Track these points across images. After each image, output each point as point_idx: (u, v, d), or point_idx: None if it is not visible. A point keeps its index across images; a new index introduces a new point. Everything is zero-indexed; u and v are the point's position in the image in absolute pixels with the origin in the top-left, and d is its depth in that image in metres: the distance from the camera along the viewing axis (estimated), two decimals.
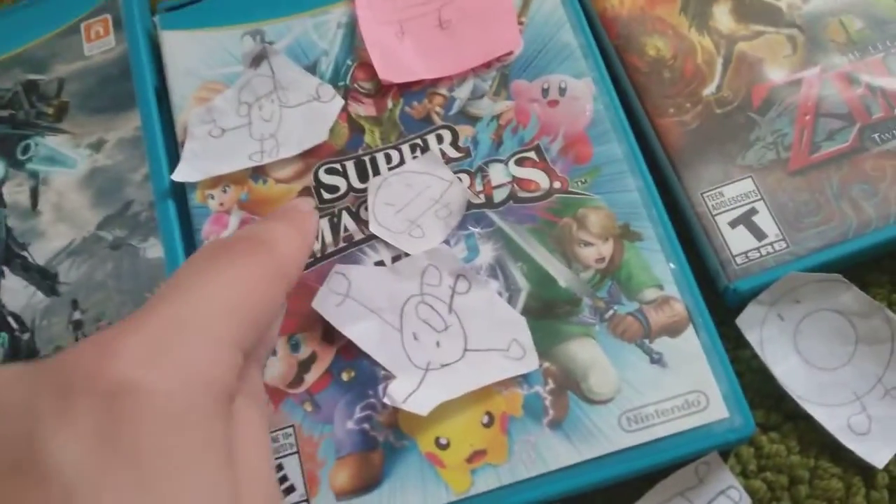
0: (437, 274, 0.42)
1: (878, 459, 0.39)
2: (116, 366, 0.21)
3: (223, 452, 0.22)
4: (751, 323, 0.41)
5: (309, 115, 0.48)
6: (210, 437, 0.21)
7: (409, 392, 0.40)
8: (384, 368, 0.41)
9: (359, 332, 0.41)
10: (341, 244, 0.44)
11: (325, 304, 0.42)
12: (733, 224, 0.42)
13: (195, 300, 0.24)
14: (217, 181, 0.47)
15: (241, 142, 0.48)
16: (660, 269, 0.42)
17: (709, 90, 0.45)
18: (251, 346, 0.26)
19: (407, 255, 0.43)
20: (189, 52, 0.50)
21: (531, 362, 0.40)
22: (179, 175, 0.47)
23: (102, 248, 0.47)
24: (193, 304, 0.24)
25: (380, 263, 0.43)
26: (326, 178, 0.46)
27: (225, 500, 0.21)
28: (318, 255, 0.44)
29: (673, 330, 0.40)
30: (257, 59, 0.49)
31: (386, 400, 0.40)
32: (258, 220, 0.35)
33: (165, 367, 0.22)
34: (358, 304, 0.42)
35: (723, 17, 0.47)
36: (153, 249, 0.46)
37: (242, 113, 0.48)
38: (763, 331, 0.41)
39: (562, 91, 0.46)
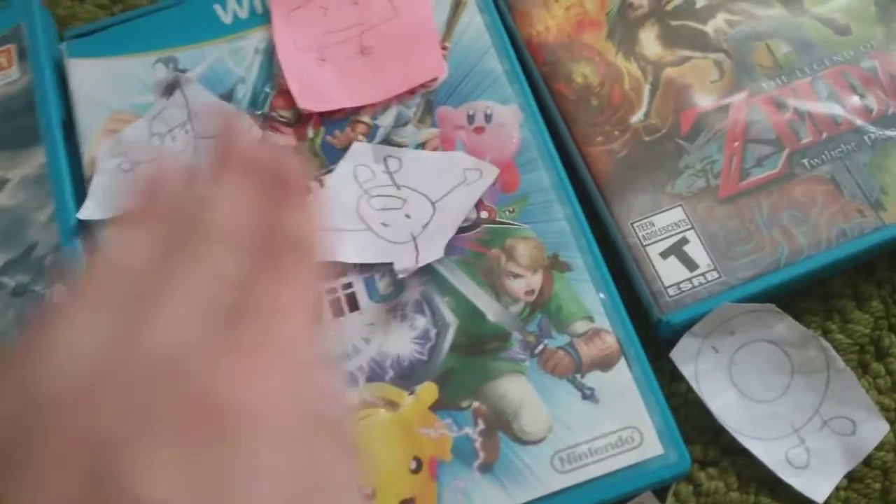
0: (366, 170, 0.43)
1: (818, 494, 0.38)
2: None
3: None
4: (685, 356, 0.40)
5: None
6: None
7: (414, 257, 0.41)
8: None
9: (336, 250, 0.41)
10: None
11: None
12: (665, 255, 0.41)
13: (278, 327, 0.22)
14: None
15: None
16: (590, 299, 0.40)
17: (637, 117, 0.44)
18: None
19: None
20: (98, 80, 0.48)
21: (490, 172, 0.43)
22: (86, 212, 0.44)
23: (4, 296, 0.44)
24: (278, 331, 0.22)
25: None
26: None
27: None
28: None
29: (604, 363, 0.39)
30: (170, 88, 0.47)
31: (401, 275, 0.41)
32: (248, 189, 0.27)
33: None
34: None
35: (650, 43, 0.46)
36: (59, 296, 0.43)
37: (154, 145, 0.46)
38: (698, 364, 0.40)
39: (487, 118, 0.45)
